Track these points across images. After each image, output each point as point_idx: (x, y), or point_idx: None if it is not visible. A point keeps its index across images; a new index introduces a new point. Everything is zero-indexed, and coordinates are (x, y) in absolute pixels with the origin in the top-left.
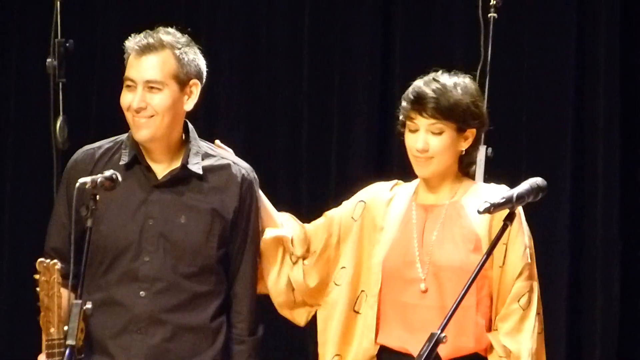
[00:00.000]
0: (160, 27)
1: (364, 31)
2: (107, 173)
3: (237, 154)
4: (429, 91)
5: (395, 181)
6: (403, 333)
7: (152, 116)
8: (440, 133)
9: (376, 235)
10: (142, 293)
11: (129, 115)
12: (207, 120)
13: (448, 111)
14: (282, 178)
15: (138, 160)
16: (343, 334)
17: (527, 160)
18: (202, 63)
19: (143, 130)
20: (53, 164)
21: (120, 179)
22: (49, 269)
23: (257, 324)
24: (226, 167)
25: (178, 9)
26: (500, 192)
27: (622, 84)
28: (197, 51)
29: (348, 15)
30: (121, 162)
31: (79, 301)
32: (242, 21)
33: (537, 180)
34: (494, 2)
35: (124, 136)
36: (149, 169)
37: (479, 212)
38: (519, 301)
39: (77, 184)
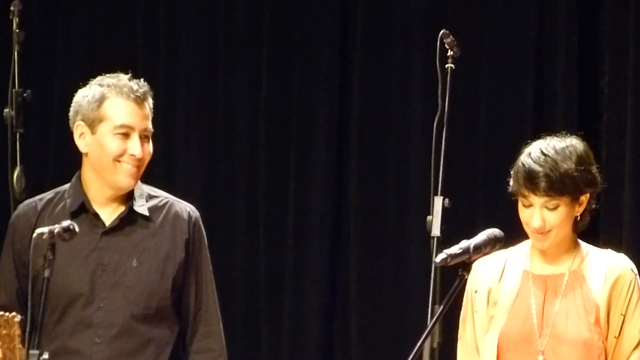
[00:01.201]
0: (123, 74)
1: (322, 78)
2: (65, 224)
3: (195, 202)
4: (540, 170)
5: (500, 252)
6: None
7: (140, 165)
8: (555, 208)
9: (490, 309)
10: (97, 340)
11: (114, 163)
12: (166, 166)
13: (561, 187)
14: (240, 224)
15: (85, 208)
16: None
17: (484, 209)
18: None
19: (131, 178)
20: (10, 214)
21: (77, 229)
22: (8, 322)
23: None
24: (171, 206)
25: (135, 56)
26: (619, 258)
27: (580, 129)
28: None
29: (306, 63)
30: (69, 210)
31: (36, 351)
32: (199, 69)
33: (495, 231)
34: (452, 52)
35: (65, 186)
36: (96, 216)
37: (435, 262)
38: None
39: (35, 235)
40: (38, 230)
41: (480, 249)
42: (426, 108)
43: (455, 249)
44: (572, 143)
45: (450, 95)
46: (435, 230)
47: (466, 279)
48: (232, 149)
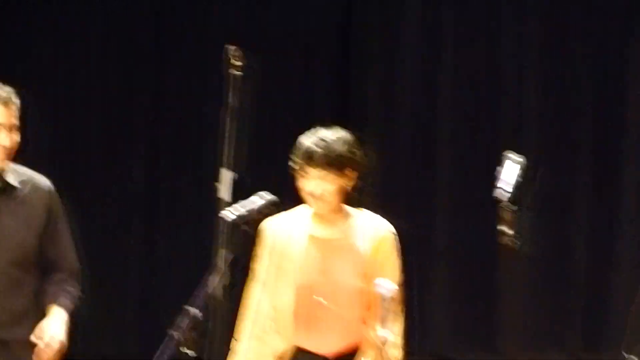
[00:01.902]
0: None
1: None
2: None
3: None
4: (316, 149)
5: (288, 215)
6: (309, 336)
7: (9, 152)
8: (328, 179)
9: (282, 262)
10: None
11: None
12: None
13: (331, 162)
14: None
15: None
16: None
17: (266, 182)
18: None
19: (1, 162)
20: None
21: None
22: None
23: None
24: (34, 180)
25: None
26: (382, 222)
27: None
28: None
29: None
30: None
31: None
32: None
33: (269, 195)
34: (238, 63)
35: None
36: None
37: (226, 218)
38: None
39: None
40: None
41: (263, 211)
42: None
43: (242, 210)
44: (342, 133)
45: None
46: (224, 195)
47: (248, 231)
48: None
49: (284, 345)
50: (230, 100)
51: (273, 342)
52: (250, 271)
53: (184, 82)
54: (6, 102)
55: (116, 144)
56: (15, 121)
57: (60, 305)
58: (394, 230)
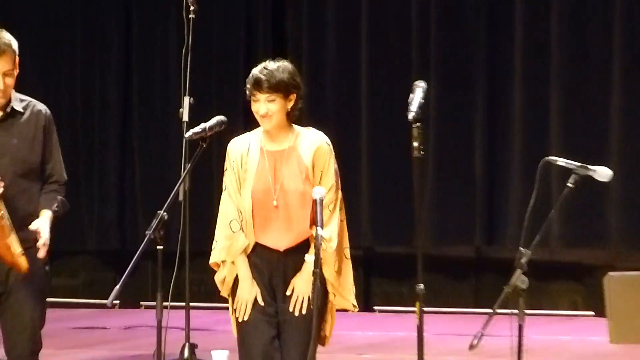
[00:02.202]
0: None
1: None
2: None
3: None
4: (263, 77)
5: (247, 135)
6: (265, 234)
7: (5, 91)
8: (273, 101)
9: (242, 174)
10: None
11: None
12: None
13: (276, 86)
14: None
15: None
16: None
17: (221, 106)
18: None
19: (2, 98)
20: None
21: None
22: None
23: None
24: (34, 105)
25: None
26: (319, 135)
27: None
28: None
29: None
30: None
31: None
32: None
33: (221, 117)
34: (192, 8)
35: None
36: None
37: (185, 137)
38: (329, 207)
39: None
40: None
41: (213, 128)
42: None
43: (197, 129)
44: (284, 63)
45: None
46: (185, 117)
47: (204, 146)
48: None
49: (248, 241)
50: (187, 40)
51: (241, 240)
52: (223, 185)
53: (150, 27)
54: (3, 51)
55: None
56: (9, 67)
57: (50, 210)
58: (329, 141)
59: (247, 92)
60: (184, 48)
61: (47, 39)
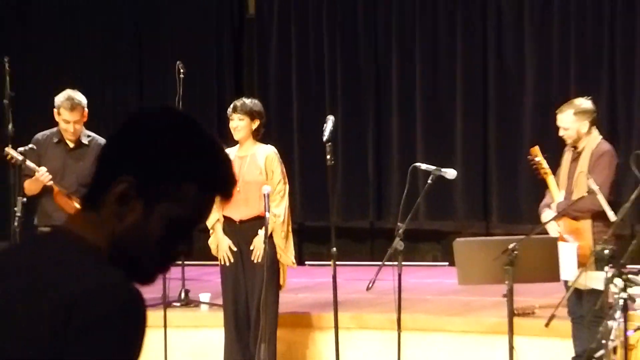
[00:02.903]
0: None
1: None
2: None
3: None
4: (238, 103)
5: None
6: (230, 209)
7: (75, 133)
8: (242, 120)
9: None
10: None
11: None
12: None
13: (244, 111)
14: None
15: (65, 141)
16: None
17: None
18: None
19: (73, 137)
20: None
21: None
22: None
23: None
24: (97, 139)
25: None
26: (268, 146)
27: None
28: None
29: None
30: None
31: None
32: None
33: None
34: (182, 70)
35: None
36: (67, 144)
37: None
38: (279, 194)
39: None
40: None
41: None
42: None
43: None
44: (256, 100)
45: None
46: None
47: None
48: None
49: (218, 215)
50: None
51: (215, 214)
52: None
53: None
54: (73, 107)
55: None
56: (78, 117)
57: None
58: (276, 151)
59: (228, 114)
60: (176, 98)
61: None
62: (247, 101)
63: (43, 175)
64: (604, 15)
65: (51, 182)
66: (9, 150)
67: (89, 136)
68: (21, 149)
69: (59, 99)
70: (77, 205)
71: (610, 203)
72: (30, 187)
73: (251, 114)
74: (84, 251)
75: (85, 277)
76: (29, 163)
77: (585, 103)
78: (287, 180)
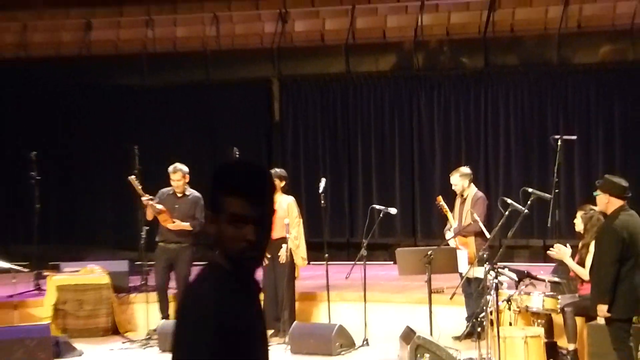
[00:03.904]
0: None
1: None
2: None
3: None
4: (273, 171)
5: None
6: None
7: (179, 187)
8: (275, 180)
9: None
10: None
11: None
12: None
13: (276, 177)
14: None
15: (175, 194)
16: None
17: None
18: None
19: (178, 190)
20: None
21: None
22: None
23: None
24: (195, 193)
25: None
26: (288, 197)
27: None
28: None
29: None
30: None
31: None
32: None
33: None
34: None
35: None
36: (176, 195)
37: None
38: (294, 221)
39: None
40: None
41: None
42: None
43: None
44: (282, 170)
45: None
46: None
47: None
48: None
49: None
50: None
51: None
52: None
53: None
54: (175, 171)
55: None
56: (179, 178)
57: (190, 224)
58: (293, 199)
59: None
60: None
61: None
62: (278, 170)
63: (160, 206)
64: (480, 110)
65: (163, 210)
66: (133, 180)
67: (189, 189)
68: (152, 197)
69: (170, 168)
70: (177, 224)
71: (485, 227)
72: (149, 214)
73: (280, 177)
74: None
75: None
76: (154, 203)
77: (466, 169)
78: (300, 216)
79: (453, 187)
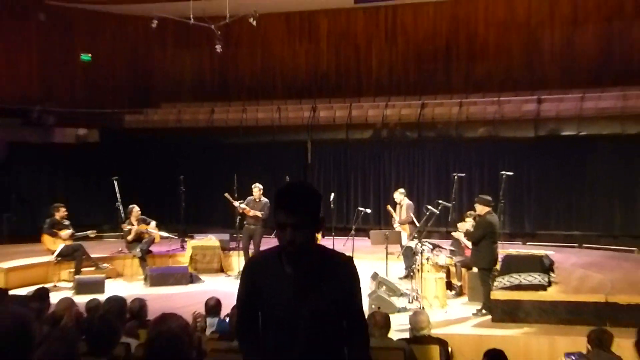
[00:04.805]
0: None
1: None
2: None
3: None
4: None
5: None
6: None
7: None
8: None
9: None
10: None
11: None
12: None
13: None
14: None
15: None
16: None
17: None
18: None
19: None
20: None
21: None
22: None
23: None
24: (263, 199)
25: None
26: None
27: None
28: None
29: None
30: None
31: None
32: None
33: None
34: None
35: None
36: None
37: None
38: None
39: None
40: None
41: None
42: None
43: None
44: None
45: None
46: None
47: None
48: None
49: None
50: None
51: None
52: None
53: None
54: (254, 187)
55: None
56: (257, 192)
57: None
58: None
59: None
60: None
61: None
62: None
63: (244, 206)
64: (416, 162)
65: (246, 209)
66: (228, 195)
67: (262, 198)
68: (242, 201)
69: (253, 185)
70: (254, 212)
71: (415, 219)
72: (238, 211)
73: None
74: None
75: None
76: (243, 205)
77: (402, 190)
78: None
79: (395, 199)
